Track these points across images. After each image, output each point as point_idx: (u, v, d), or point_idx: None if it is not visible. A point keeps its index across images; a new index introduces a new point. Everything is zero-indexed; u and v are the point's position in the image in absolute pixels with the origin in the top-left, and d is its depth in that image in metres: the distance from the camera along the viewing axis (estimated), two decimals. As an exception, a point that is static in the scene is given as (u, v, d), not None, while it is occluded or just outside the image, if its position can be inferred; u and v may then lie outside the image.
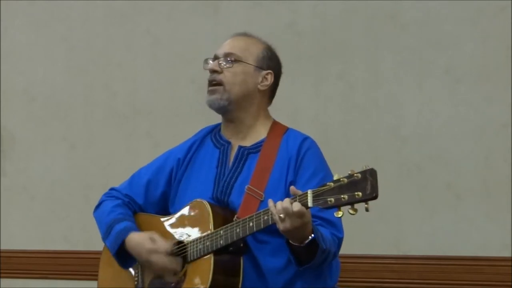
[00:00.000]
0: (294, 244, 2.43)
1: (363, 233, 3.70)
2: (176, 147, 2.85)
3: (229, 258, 2.53)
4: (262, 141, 2.69)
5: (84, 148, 4.37)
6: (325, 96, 3.93)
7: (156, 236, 2.64)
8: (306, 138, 2.70)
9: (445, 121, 3.75)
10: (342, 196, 2.27)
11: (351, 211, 2.28)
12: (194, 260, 2.57)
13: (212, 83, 2.70)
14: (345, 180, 2.28)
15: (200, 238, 2.57)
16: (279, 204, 2.37)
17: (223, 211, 2.62)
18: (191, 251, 2.59)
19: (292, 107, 3.91)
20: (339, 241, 2.56)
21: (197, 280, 2.54)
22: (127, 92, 4.31)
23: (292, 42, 3.97)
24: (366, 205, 2.26)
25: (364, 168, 2.26)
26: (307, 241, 2.41)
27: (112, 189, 2.88)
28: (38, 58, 4.48)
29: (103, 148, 4.33)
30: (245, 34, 2.78)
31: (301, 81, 3.95)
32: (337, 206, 2.29)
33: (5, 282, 4.46)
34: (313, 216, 2.47)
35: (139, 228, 2.73)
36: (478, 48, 3.71)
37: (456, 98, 3.74)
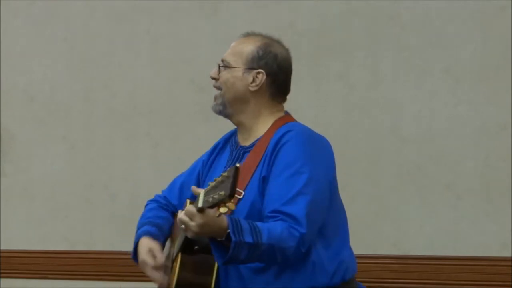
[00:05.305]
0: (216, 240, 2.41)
1: (363, 233, 3.69)
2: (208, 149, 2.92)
3: (198, 257, 2.56)
4: (258, 140, 2.69)
5: (84, 148, 4.37)
6: (325, 96, 3.93)
7: (155, 248, 2.70)
8: (289, 131, 2.65)
9: (445, 121, 3.75)
10: (212, 196, 2.25)
11: (222, 210, 2.23)
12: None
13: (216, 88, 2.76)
14: (219, 178, 2.26)
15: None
16: (178, 215, 2.40)
17: None
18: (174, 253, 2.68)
19: (292, 107, 3.89)
20: (300, 236, 2.45)
21: (170, 280, 2.63)
22: (127, 92, 4.30)
23: (292, 42, 3.94)
24: (229, 203, 2.22)
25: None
26: (224, 236, 2.36)
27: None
28: (38, 58, 4.48)
29: (103, 148, 4.33)
30: (247, 35, 2.78)
31: (301, 81, 3.95)
32: (213, 205, 2.24)
33: (5, 282, 4.46)
34: (274, 211, 2.46)
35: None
36: (478, 48, 3.71)
37: (456, 98, 3.74)
